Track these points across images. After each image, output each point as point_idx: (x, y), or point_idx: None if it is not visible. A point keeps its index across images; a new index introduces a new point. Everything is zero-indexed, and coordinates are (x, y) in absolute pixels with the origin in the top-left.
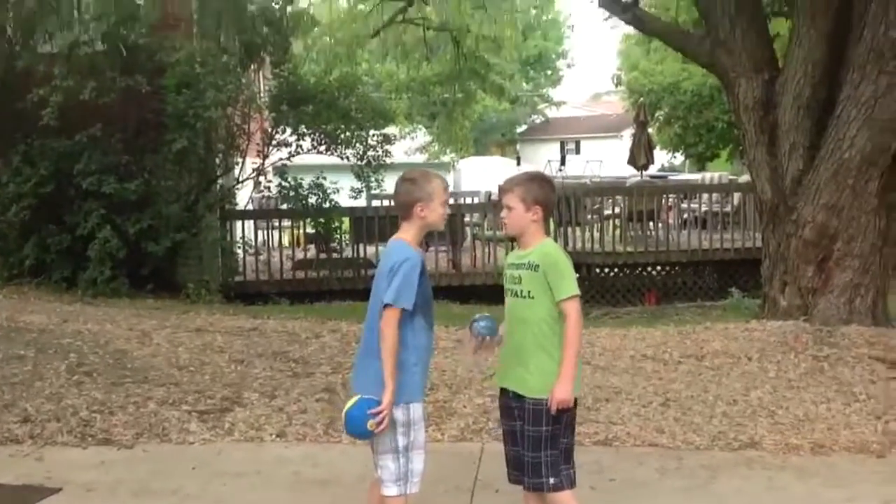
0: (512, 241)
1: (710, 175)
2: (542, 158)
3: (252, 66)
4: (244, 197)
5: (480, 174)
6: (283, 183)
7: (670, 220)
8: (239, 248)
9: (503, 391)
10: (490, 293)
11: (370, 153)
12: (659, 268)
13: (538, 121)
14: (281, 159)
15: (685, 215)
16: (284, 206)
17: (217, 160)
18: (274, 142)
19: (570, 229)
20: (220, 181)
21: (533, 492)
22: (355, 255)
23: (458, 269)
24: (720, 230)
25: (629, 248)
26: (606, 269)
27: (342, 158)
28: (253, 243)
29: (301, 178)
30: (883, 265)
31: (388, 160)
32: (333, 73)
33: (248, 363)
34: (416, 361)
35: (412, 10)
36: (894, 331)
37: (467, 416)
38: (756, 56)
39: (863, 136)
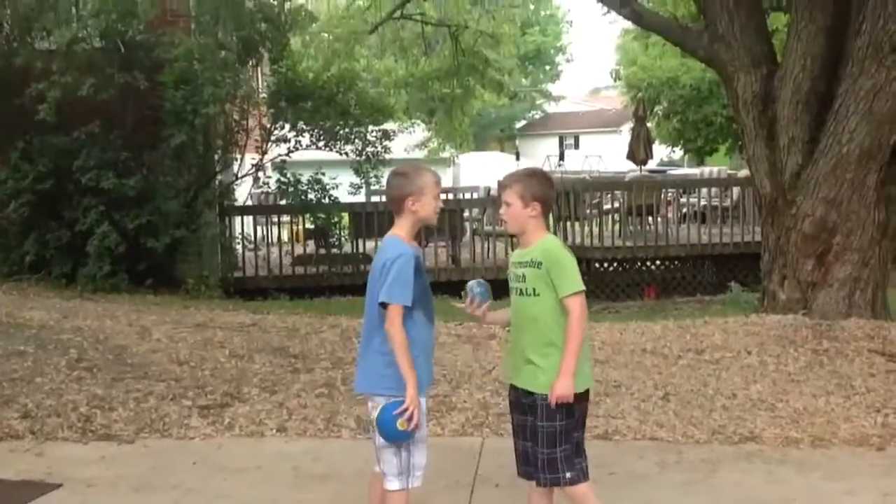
0: (512, 237)
1: (709, 169)
2: (541, 153)
3: (250, 63)
4: (243, 193)
5: (480, 169)
6: (282, 179)
7: (669, 215)
8: (238, 243)
9: (513, 387)
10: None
11: (369, 149)
12: (658, 262)
13: (537, 116)
14: (280, 155)
15: (684, 210)
16: (283, 202)
17: (216, 156)
18: (273, 137)
19: (569, 224)
20: (218, 177)
21: (550, 487)
22: (354, 250)
23: (458, 264)
24: (719, 224)
25: (628, 243)
26: (606, 264)
27: (341, 154)
28: (252, 239)
29: (300, 174)
30: (882, 259)
31: (387, 156)
32: (332, 68)
33: (248, 358)
34: (416, 355)
35: (410, 5)
36: (893, 324)
37: (467, 410)
38: (755, 50)
39: (861, 129)
